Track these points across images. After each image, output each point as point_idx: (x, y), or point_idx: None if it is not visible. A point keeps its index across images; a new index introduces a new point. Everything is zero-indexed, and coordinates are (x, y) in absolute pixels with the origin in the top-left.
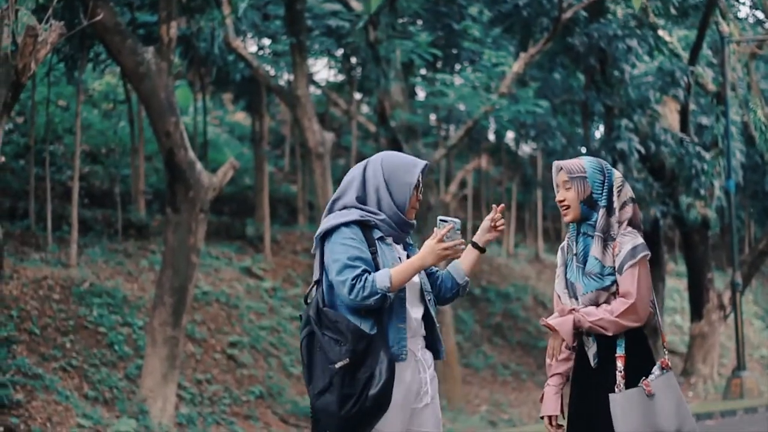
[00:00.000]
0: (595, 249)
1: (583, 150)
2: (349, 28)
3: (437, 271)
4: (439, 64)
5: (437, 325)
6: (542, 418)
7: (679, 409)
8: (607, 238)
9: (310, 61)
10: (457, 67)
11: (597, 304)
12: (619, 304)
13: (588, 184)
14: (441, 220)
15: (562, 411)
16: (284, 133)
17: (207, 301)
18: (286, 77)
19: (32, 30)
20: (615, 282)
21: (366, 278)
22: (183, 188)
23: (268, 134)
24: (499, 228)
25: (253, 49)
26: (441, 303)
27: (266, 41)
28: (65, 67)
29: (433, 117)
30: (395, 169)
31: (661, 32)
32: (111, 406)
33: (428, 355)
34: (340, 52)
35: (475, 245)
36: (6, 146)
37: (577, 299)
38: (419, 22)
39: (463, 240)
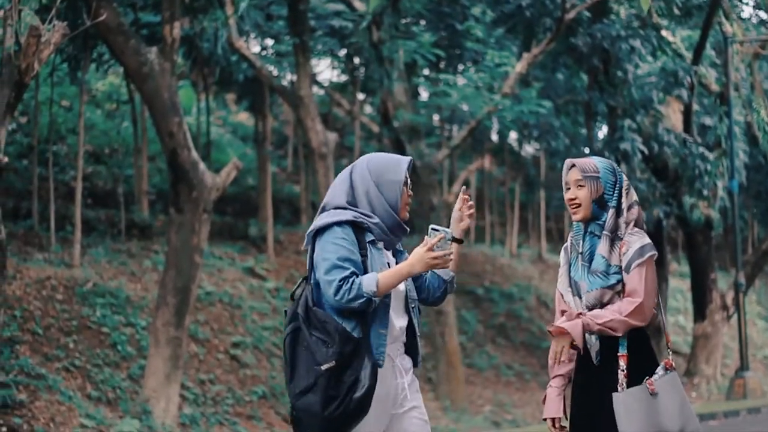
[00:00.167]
0: (603, 247)
1: (587, 150)
2: (352, 29)
3: (423, 274)
4: (442, 65)
5: (419, 335)
6: (545, 420)
7: (682, 409)
8: (614, 238)
9: (313, 61)
10: (460, 67)
11: (601, 303)
12: (626, 304)
13: (601, 184)
14: (433, 229)
15: (564, 412)
16: (287, 133)
17: (210, 301)
18: (289, 77)
19: (35, 30)
20: (620, 281)
21: (353, 281)
22: (186, 188)
23: (271, 134)
24: (469, 213)
25: (256, 49)
26: (433, 303)
27: (269, 41)
28: (68, 68)
29: (436, 117)
30: (382, 169)
31: (664, 32)
32: (114, 407)
33: (407, 360)
34: (343, 52)
35: (452, 239)
36: (9, 146)
37: (580, 297)
38: (422, 22)
39: (452, 251)
